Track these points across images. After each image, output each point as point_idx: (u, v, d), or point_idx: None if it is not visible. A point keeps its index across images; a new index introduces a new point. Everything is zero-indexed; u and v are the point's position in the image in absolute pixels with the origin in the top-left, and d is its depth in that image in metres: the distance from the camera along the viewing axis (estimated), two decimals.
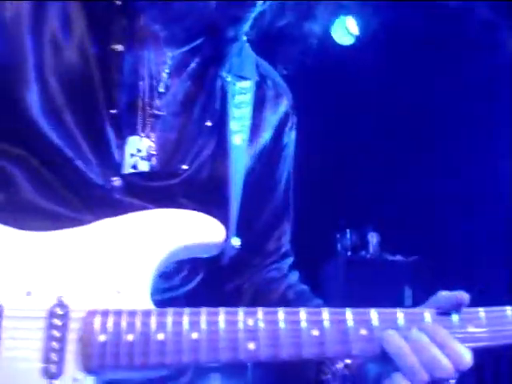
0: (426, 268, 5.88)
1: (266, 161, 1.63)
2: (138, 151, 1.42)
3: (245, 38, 1.57)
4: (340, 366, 1.40)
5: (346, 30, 5.64)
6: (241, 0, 1.38)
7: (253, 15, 1.43)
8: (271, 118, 1.64)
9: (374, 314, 1.29)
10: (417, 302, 1.35)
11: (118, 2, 1.41)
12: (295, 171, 1.76)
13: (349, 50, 6.05)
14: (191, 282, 1.55)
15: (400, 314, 1.29)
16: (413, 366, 1.22)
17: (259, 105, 1.59)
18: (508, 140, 5.92)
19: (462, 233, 6.07)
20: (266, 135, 1.62)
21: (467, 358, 1.24)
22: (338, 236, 6.70)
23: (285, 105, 1.67)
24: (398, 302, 5.01)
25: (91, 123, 1.36)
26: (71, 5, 1.38)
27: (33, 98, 1.32)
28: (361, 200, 6.30)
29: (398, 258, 6.33)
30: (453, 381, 1.26)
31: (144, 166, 1.43)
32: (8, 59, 1.33)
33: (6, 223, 1.30)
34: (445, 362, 1.22)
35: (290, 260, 1.75)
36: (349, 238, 6.69)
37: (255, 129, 1.58)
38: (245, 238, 1.55)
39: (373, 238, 6.62)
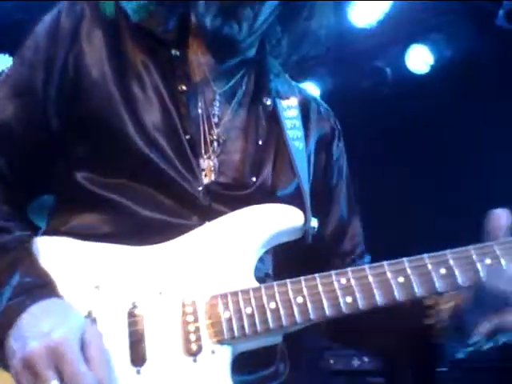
0: None
1: (317, 170, 1.88)
2: (202, 170, 1.69)
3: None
4: (445, 307, 1.63)
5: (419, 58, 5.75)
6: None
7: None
8: (317, 133, 1.91)
9: (450, 255, 1.54)
10: None
11: (177, 53, 1.72)
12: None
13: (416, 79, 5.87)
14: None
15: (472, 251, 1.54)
16: None
17: (305, 120, 1.88)
18: None
19: None
20: (311, 146, 1.89)
21: None
22: None
23: (330, 123, 1.97)
24: None
25: (177, 145, 1.65)
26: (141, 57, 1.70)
27: (129, 130, 1.61)
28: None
29: None
30: None
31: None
32: (100, 102, 1.62)
33: (127, 243, 1.58)
34: None
35: (367, 259, 1.96)
36: None
37: (307, 139, 1.86)
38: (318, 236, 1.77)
39: None
